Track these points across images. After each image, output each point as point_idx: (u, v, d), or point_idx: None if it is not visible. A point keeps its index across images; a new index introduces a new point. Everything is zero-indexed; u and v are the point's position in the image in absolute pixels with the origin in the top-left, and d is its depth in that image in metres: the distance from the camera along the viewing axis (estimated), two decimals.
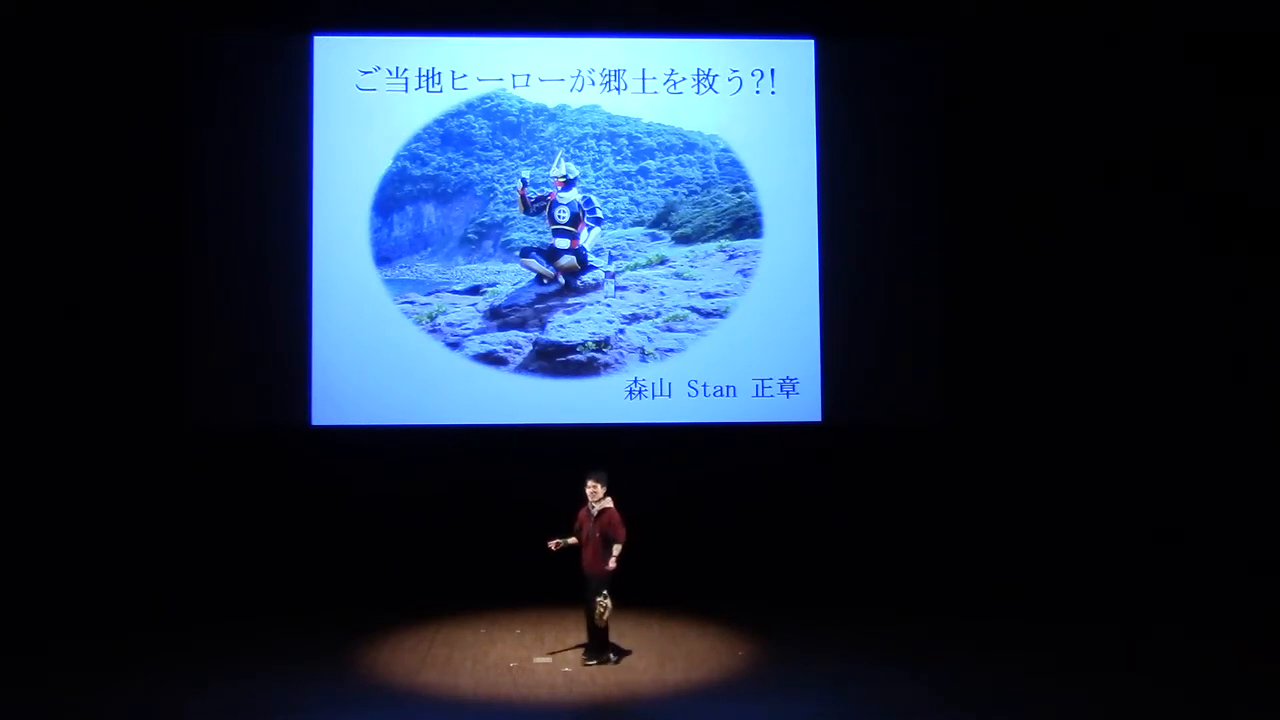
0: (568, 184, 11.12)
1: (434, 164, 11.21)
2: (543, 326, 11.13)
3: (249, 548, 10.74)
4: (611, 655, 8.68)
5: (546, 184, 11.16)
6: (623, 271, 11.23)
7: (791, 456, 11.18)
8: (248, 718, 7.60)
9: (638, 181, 11.27)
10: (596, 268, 11.19)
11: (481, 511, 10.83)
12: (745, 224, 11.29)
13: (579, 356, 11.10)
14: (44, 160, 10.74)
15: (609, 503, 8.56)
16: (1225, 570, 10.57)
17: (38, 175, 10.74)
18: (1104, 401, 11.24)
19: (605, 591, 8.47)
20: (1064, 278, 11.31)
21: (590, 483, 8.57)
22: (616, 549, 8.41)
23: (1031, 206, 11.29)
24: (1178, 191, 11.20)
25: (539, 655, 8.85)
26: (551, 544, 8.56)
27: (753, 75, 11.30)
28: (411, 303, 11.10)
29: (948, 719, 7.61)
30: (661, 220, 11.29)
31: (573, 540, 8.58)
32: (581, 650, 8.75)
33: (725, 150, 11.30)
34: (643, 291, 11.23)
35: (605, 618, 8.49)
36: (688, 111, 11.28)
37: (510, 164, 11.22)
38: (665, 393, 11.09)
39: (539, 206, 11.16)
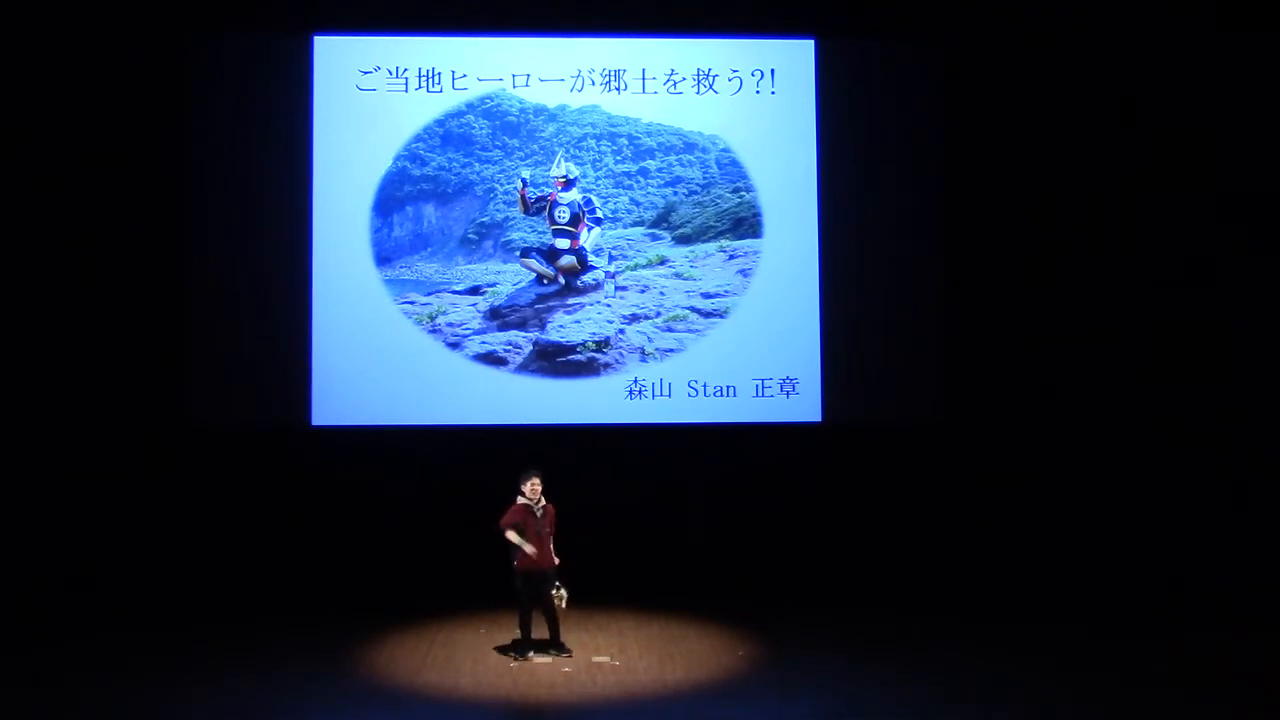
0: (568, 184, 11.12)
1: (434, 164, 11.20)
2: (543, 326, 11.13)
3: (249, 548, 10.74)
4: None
5: (546, 184, 11.16)
6: (623, 271, 11.23)
7: (791, 456, 11.19)
8: (248, 718, 7.61)
9: (638, 181, 11.27)
10: (596, 268, 11.18)
11: (482, 512, 10.81)
12: (745, 224, 11.29)
13: (579, 356, 11.10)
14: (43, 160, 10.73)
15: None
16: (1225, 570, 10.57)
17: (37, 175, 10.73)
18: (1104, 401, 11.24)
19: (557, 583, 8.74)
20: (1064, 277, 11.30)
21: (535, 480, 8.75)
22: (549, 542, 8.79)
23: (1032, 206, 11.28)
24: (1178, 191, 11.20)
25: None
26: (528, 548, 8.63)
27: (753, 75, 11.30)
28: (411, 303, 11.10)
29: (948, 719, 7.61)
30: (661, 220, 11.29)
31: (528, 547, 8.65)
32: (544, 649, 8.76)
33: (725, 150, 11.29)
34: (643, 291, 11.23)
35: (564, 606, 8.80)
36: (688, 111, 11.27)
37: (510, 164, 11.22)
38: (665, 393, 11.09)
39: (539, 206, 11.15)
